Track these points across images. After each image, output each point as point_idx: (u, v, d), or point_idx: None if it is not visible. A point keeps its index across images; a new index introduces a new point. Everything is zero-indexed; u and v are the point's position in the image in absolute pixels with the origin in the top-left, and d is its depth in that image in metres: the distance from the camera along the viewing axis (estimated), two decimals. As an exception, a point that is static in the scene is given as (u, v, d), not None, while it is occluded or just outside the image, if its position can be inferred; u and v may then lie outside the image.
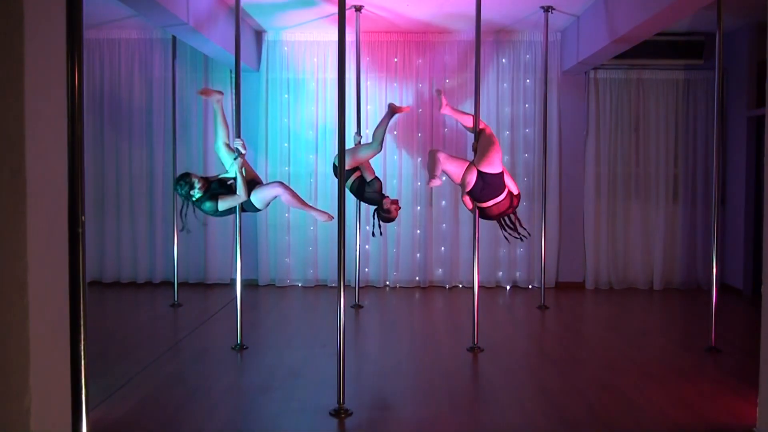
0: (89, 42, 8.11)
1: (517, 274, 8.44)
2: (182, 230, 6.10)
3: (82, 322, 2.48)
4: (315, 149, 8.31)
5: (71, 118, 2.43)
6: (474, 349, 5.47)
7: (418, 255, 8.42)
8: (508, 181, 5.56)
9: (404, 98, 8.29)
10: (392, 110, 6.49)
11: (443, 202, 8.36)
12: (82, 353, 2.48)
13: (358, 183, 6.62)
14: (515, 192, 5.57)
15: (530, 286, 8.40)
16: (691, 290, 8.34)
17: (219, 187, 5.61)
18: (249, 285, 8.15)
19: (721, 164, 6.62)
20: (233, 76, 8.12)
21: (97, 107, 8.31)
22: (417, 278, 8.43)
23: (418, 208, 8.38)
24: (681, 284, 8.43)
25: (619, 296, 8.02)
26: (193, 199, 5.54)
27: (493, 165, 5.38)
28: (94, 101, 8.29)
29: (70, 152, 2.42)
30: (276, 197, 5.75)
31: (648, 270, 8.45)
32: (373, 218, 6.66)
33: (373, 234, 6.76)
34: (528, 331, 6.42)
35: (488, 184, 5.39)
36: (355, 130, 7.20)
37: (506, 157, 8.28)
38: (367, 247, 8.33)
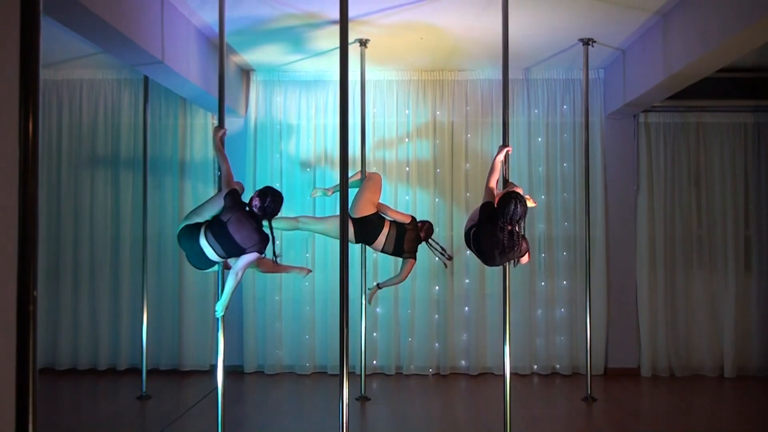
0: (46, 83, 8.25)
1: (558, 358, 8.36)
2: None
3: (30, 419, 2.46)
4: (312, 211, 8.27)
5: (23, 174, 2.45)
6: (506, 452, 5.39)
7: (436, 345, 8.35)
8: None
9: (417, 150, 8.37)
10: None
11: (467, 281, 8.35)
12: (30, 457, 2.45)
13: (396, 233, 6.61)
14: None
15: (573, 373, 8.30)
16: (771, 378, 8.23)
17: None
18: (232, 372, 8.08)
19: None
20: (215, 121, 8.16)
21: (53, 160, 8.38)
22: (437, 365, 8.34)
23: (437, 288, 8.36)
24: (758, 370, 8.30)
25: (682, 385, 7.92)
26: None
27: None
28: (50, 153, 8.36)
29: (21, 215, 2.44)
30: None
31: (717, 353, 8.33)
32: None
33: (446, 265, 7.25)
34: (572, 429, 6.33)
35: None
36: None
37: (541, 226, 8.28)
38: (375, 334, 8.27)
